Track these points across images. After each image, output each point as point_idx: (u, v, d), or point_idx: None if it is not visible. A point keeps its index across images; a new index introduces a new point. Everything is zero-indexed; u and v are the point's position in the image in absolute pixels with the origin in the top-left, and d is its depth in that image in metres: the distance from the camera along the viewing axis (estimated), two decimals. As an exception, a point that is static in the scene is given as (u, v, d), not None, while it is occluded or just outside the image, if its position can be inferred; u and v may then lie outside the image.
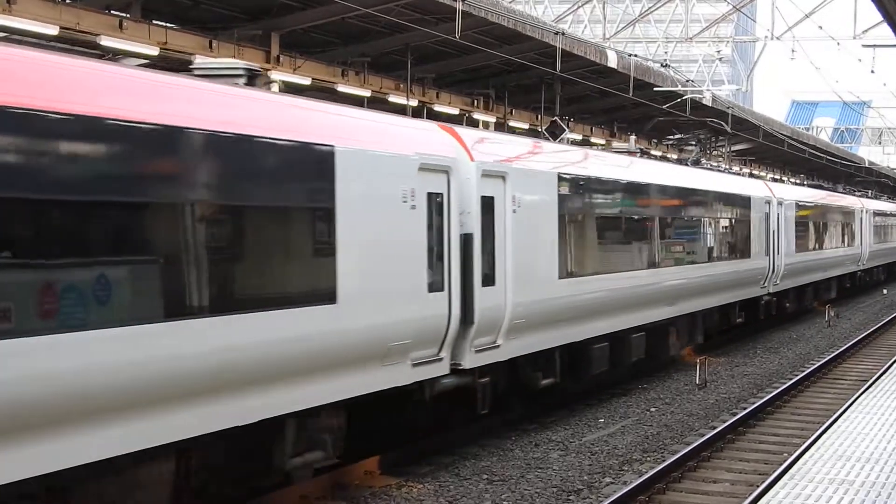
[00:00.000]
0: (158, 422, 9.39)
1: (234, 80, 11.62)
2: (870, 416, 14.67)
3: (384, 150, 12.79)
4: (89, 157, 8.90)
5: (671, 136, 50.66)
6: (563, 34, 26.92)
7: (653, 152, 46.86)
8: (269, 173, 10.84)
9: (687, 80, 35.57)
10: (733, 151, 55.54)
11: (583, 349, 18.04)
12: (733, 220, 26.72)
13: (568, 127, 30.32)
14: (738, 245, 26.93)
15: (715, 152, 53.94)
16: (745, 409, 19.08)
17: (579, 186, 17.92)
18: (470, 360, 14.38)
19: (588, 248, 18.21)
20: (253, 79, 12.02)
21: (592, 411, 18.90)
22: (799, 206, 33.63)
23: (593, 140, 39.91)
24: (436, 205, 13.62)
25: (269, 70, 22.47)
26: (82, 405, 8.66)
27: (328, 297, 11.51)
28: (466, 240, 14.24)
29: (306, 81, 23.65)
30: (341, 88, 24.94)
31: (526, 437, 16.59)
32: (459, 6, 21.34)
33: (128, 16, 19.59)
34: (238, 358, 10.31)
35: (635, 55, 31.67)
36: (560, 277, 16.88)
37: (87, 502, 9.14)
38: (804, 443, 15.45)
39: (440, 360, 13.79)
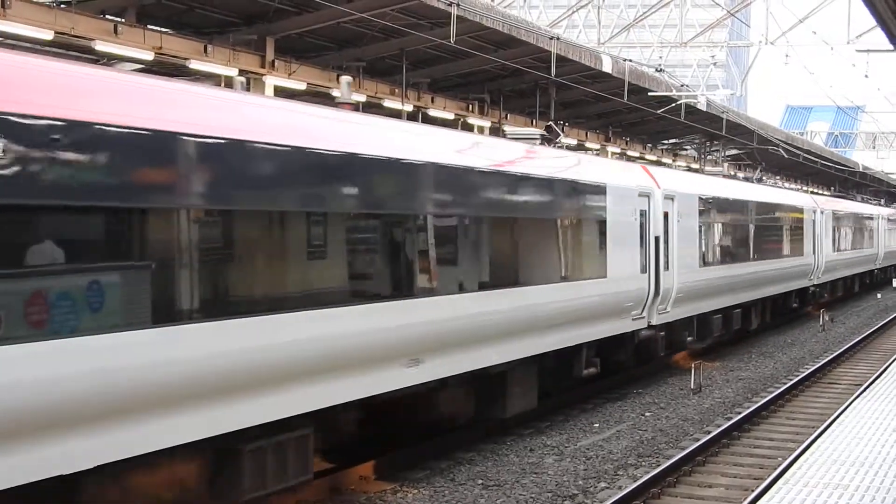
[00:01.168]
0: (530, 343, 16.14)
1: (533, 141, 18.56)
2: (864, 420, 14.68)
3: (625, 184, 20.06)
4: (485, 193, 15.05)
5: (666, 141, 50.78)
6: (558, 39, 26.94)
7: (648, 156, 46.97)
8: (586, 201, 18.21)
9: (681, 85, 35.60)
10: (728, 156, 55.62)
11: (707, 318, 24.97)
12: (794, 226, 33.83)
13: (563, 132, 30.36)
14: (796, 245, 34.05)
15: (710, 157, 54.06)
16: (739, 413, 19.09)
17: (707, 203, 24.94)
18: (656, 319, 21.33)
19: (713, 246, 25.41)
20: (544, 140, 19.32)
21: (587, 416, 18.91)
22: (834, 215, 40.76)
23: (588, 145, 39.94)
24: (643, 218, 20.75)
25: (264, 75, 22.48)
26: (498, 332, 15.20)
27: (603, 274, 18.70)
28: (656, 240, 21.35)
29: (301, 86, 23.65)
30: (336, 93, 24.93)
31: (521, 442, 16.60)
32: (454, 11, 21.36)
33: (122, 20, 19.59)
34: (566, 307, 17.32)
35: (630, 60, 31.70)
36: (699, 267, 24.07)
37: (518, 379, 16.34)
38: (799, 447, 15.46)
39: (643, 317, 20.80)
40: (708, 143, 51.39)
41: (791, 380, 23.14)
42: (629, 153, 44.17)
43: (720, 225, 25.90)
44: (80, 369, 8.45)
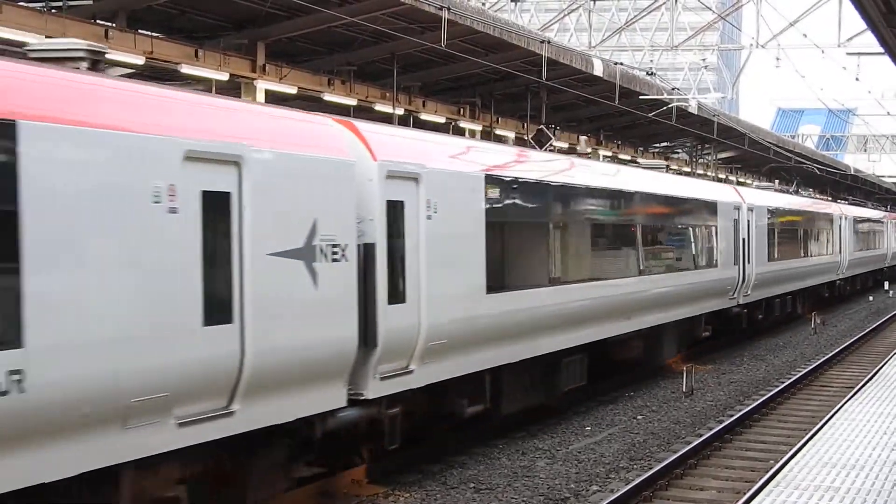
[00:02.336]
0: (679, 310, 23.66)
1: (659, 169, 26.25)
2: (855, 423, 14.71)
3: (726, 200, 27.54)
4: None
5: (657, 144, 50.82)
6: (549, 42, 26.96)
7: (641, 160, 46.95)
8: (708, 213, 25.69)
9: (673, 89, 35.64)
10: (719, 159, 55.65)
11: (771, 302, 32.53)
12: (826, 230, 41.47)
13: (554, 135, 30.37)
14: (828, 246, 41.94)
15: (702, 160, 54.08)
16: (731, 416, 19.10)
17: (772, 212, 32.30)
18: (742, 300, 28.75)
19: (775, 246, 32.56)
20: (666, 169, 27.16)
21: (579, 419, 18.92)
22: (854, 220, 48.81)
23: (579, 149, 39.91)
24: (735, 224, 27.94)
25: (255, 79, 22.45)
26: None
27: (715, 265, 26.13)
28: (743, 241, 28.68)
29: (292, 90, 23.64)
30: (327, 97, 24.94)
31: (513, 446, 16.60)
32: (445, 15, 21.37)
33: (113, 25, 19.56)
34: (700, 287, 25.04)
35: (621, 63, 31.73)
36: (767, 261, 31.15)
37: (668, 336, 23.60)
38: (790, 450, 15.48)
39: (735, 298, 28.09)
40: (699, 147, 51.43)
41: (783, 383, 23.17)
42: (620, 156, 44.20)
43: (779, 229, 33.52)
44: (525, 306, 16.29)
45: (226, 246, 10.39)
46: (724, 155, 54.80)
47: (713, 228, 26.16)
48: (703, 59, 55.82)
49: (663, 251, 22.81)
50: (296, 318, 11.20)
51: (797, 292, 36.56)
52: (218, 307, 10.22)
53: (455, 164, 14.77)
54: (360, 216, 12.41)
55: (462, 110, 31.35)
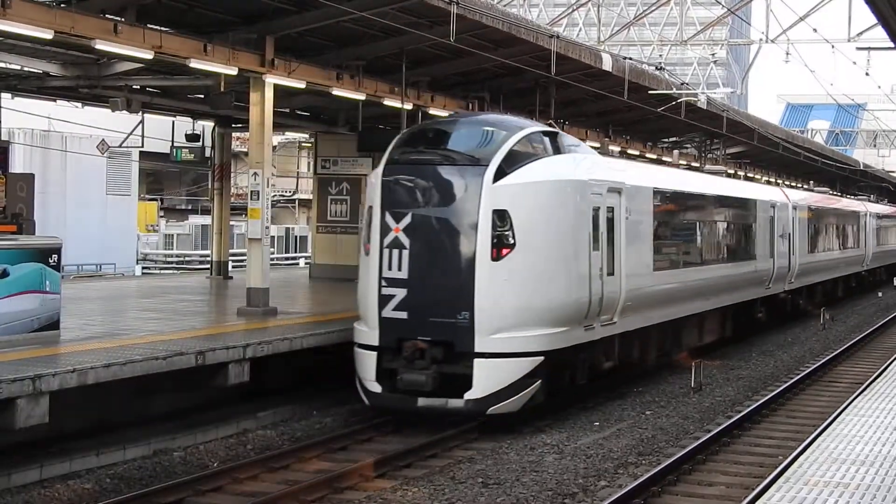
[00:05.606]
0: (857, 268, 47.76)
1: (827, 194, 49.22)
2: (865, 418, 14.67)
3: (864, 211, 50.08)
4: None
5: (666, 139, 50.74)
6: (558, 37, 26.90)
7: (648, 154, 46.90)
8: (855, 220, 48.32)
9: (682, 83, 35.56)
10: (728, 154, 55.57)
11: (873, 271, 53.43)
12: (856, 226, 51.40)
13: (563, 130, 30.28)
14: (857, 240, 52.17)
15: (710, 155, 54.03)
16: (740, 412, 19.09)
17: (878, 216, 52.45)
18: (866, 267, 50.15)
19: (882, 236, 53.55)
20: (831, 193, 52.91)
21: (587, 414, 18.91)
22: (877, 216, 58.05)
23: (589, 143, 39.81)
24: (864, 223, 49.64)
25: (264, 74, 22.44)
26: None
27: (857, 247, 48.47)
28: (866, 232, 49.92)
29: (301, 85, 23.63)
30: (336, 92, 24.92)
31: (521, 440, 16.59)
32: (454, 10, 21.33)
33: (122, 19, 19.56)
34: (853, 260, 48.16)
35: (630, 58, 31.66)
36: (877, 245, 53.34)
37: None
38: (799, 446, 15.46)
39: (863, 266, 49.27)
40: (708, 142, 51.35)
41: (791, 378, 23.14)
42: (630, 151, 44.09)
43: (879, 226, 51.75)
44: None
45: (773, 232, 30.02)
46: (732, 150, 54.72)
47: (859, 227, 46.36)
48: (713, 54, 55.74)
49: (855, 237, 44.31)
50: (781, 256, 30.98)
51: (890, 265, 56.91)
52: (776, 251, 30.43)
53: (799, 202, 33.88)
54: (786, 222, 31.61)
55: (471, 105, 31.27)
